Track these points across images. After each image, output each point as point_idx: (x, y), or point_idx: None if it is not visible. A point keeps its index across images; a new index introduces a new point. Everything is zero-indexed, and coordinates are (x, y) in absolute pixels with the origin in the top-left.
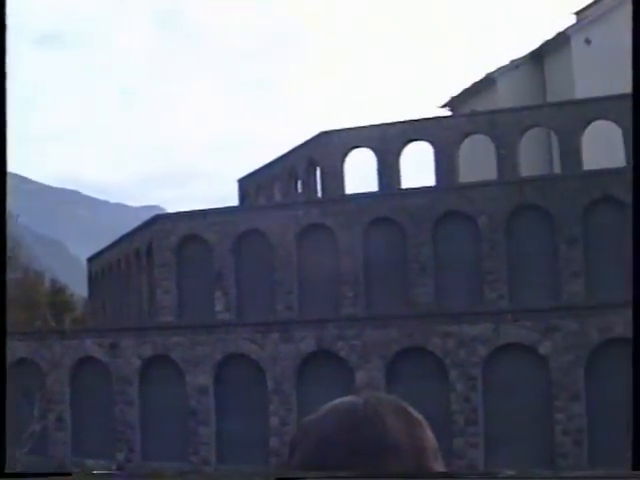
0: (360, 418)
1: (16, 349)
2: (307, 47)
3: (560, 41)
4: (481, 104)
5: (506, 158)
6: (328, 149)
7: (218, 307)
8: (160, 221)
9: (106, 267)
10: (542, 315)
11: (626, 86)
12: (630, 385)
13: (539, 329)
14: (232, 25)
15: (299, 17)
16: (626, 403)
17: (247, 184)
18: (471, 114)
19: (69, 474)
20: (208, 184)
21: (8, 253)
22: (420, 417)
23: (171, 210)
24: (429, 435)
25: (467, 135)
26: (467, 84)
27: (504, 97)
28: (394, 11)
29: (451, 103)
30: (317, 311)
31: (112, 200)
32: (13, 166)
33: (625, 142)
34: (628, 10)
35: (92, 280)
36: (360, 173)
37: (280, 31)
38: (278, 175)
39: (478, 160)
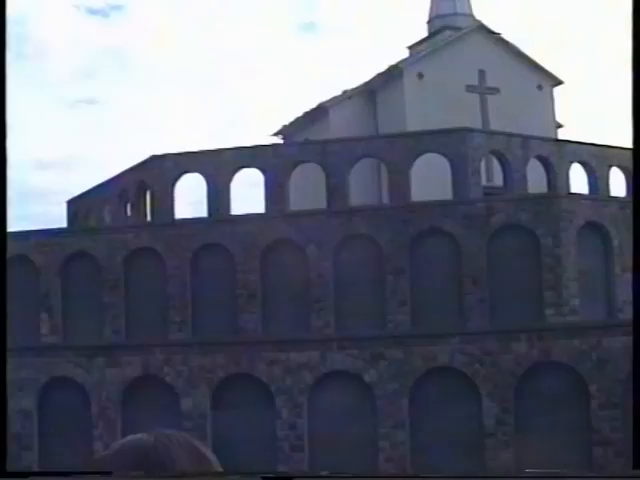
0: (150, 455)
1: None
2: (142, 68)
3: (393, 74)
4: (313, 133)
5: (336, 188)
6: (159, 173)
7: (44, 330)
8: None
9: None
10: (368, 343)
11: (455, 120)
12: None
13: (364, 357)
14: (64, 41)
15: (133, 35)
16: (449, 429)
17: (76, 205)
18: (303, 143)
19: (72, 474)
20: (38, 204)
21: None
22: (210, 454)
23: None
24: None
25: (298, 164)
26: (300, 113)
27: (336, 127)
28: (232, 37)
29: (283, 131)
30: (144, 336)
31: None
32: None
33: (453, 175)
34: (459, 47)
35: None
36: (190, 198)
37: (113, 49)
38: (108, 197)
39: (309, 189)
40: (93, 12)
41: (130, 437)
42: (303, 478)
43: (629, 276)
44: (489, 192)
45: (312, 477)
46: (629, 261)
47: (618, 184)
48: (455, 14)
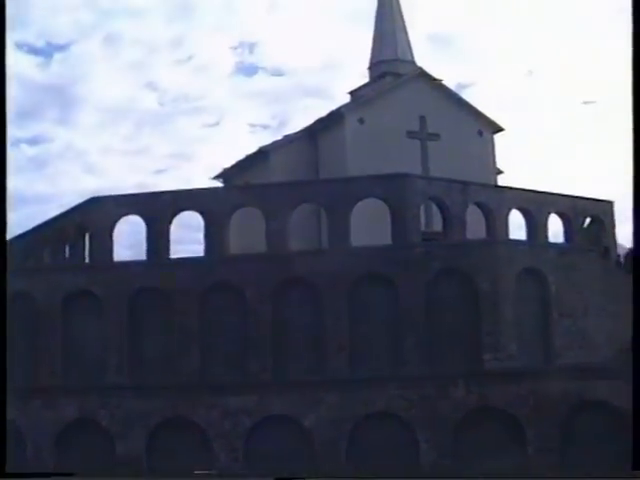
0: None
1: None
2: (83, 108)
3: (334, 119)
4: (254, 177)
5: (276, 232)
6: (98, 215)
7: None
8: None
9: None
10: (306, 388)
11: (395, 166)
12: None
13: (303, 402)
14: (5, 80)
15: (75, 75)
16: (387, 474)
17: (16, 246)
18: (243, 186)
19: (71, 474)
20: None
21: None
22: None
23: None
24: None
25: (238, 207)
26: (241, 156)
27: (277, 171)
28: (173, 78)
29: (224, 174)
30: (81, 378)
31: None
32: None
33: (392, 220)
34: (400, 93)
35: None
36: (130, 241)
37: (55, 89)
38: (48, 238)
39: (248, 232)
40: (35, 52)
41: None
42: (315, 479)
43: (567, 322)
44: (428, 237)
45: (324, 478)
46: (567, 307)
47: (556, 230)
48: (396, 60)
